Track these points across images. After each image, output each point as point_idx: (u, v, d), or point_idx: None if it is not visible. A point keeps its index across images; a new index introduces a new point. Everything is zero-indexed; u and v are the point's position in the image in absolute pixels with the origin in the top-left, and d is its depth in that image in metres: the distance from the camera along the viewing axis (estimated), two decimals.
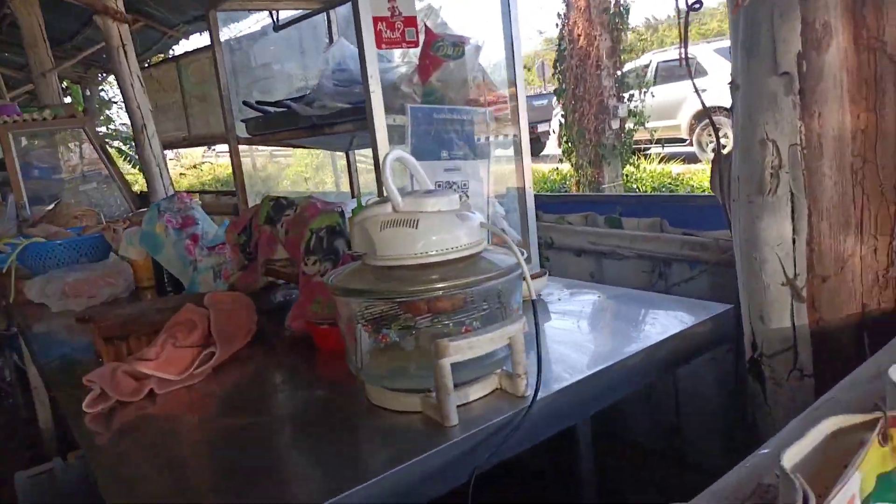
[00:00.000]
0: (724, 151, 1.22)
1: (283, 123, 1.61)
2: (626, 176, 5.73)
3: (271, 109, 1.64)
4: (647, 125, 5.75)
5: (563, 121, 5.70)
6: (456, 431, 0.97)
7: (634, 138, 5.63)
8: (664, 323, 1.28)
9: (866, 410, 0.80)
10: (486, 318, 1.10)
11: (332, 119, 1.41)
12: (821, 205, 1.04)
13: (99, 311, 1.74)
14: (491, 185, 1.46)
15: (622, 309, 1.40)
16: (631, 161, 5.70)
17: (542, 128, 10.46)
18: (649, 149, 7.17)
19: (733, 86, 1.12)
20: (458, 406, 1.03)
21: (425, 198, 1.04)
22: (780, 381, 1.16)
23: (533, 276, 1.54)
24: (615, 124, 5.22)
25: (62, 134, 4.19)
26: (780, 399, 1.17)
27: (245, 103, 1.74)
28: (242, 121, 1.83)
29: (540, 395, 1.04)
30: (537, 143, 11.10)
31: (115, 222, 2.33)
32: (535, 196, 1.85)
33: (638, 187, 6.40)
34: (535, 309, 1.02)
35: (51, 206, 3.35)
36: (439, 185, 1.37)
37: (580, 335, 1.28)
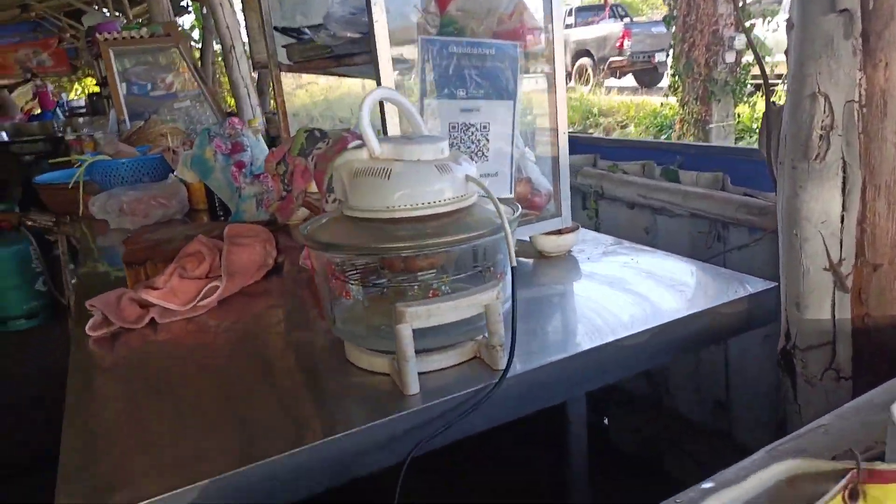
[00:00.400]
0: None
1: (312, 51, 1.52)
2: (739, 115, 5.21)
3: (305, 36, 1.56)
4: (769, 59, 5.14)
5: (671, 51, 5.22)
6: (416, 400, 0.90)
7: (753, 73, 5.08)
8: (691, 297, 1.13)
9: (863, 448, 0.66)
10: (469, 279, 1.01)
11: (347, 49, 1.31)
12: (879, 178, 0.85)
13: (140, 233, 1.78)
14: (517, 126, 1.32)
15: (651, 276, 1.25)
16: (747, 100, 5.16)
17: (659, 57, 9.74)
18: (775, 85, 6.49)
19: (788, 24, 0.92)
20: (428, 373, 0.96)
21: (405, 145, 0.94)
22: (813, 379, 0.99)
23: (563, 231, 1.41)
24: (730, 57, 4.71)
25: (164, 52, 4.32)
26: (812, 399, 1.01)
27: (276, 29, 1.66)
28: (283, 46, 1.77)
29: (519, 370, 0.94)
30: (654, 73, 10.39)
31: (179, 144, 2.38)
32: (594, 139, 1.69)
33: (757, 128, 5.83)
34: (514, 277, 0.91)
35: (142, 123, 3.48)
36: (454, 128, 1.25)
37: (592, 303, 1.16)
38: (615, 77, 10.85)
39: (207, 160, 2.03)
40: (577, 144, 1.96)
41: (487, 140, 1.30)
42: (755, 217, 1.34)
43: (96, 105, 5.34)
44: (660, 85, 10.33)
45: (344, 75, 1.86)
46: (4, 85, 11.58)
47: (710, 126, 4.87)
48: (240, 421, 0.89)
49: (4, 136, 5.65)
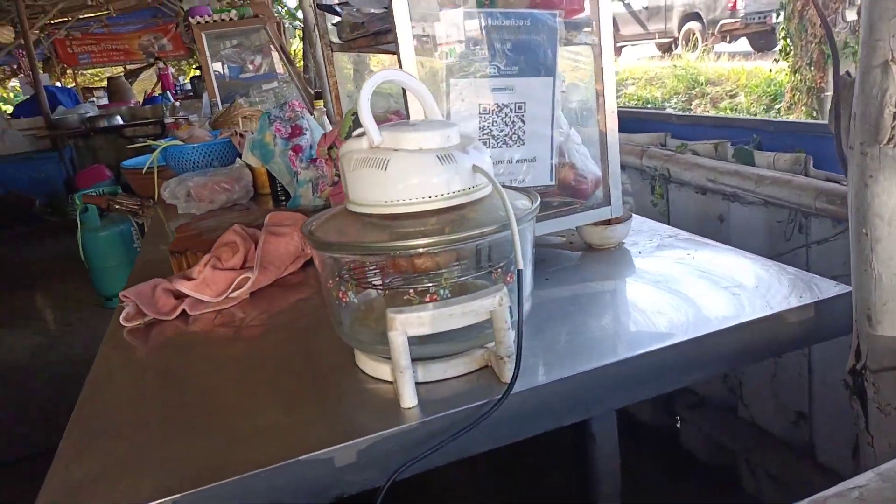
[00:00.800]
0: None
1: (351, 29, 1.46)
2: None
3: (341, 11, 1.50)
4: None
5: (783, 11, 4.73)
6: (413, 414, 0.83)
7: None
8: (745, 303, 0.98)
9: None
10: (472, 282, 0.92)
11: (378, 25, 1.24)
12: None
13: (194, 220, 1.81)
14: (558, 106, 1.20)
15: (705, 275, 1.10)
16: None
17: (777, 18, 8.95)
18: None
19: None
20: (433, 382, 0.89)
21: (407, 132, 0.86)
22: (887, 407, 0.83)
23: (613, 221, 1.28)
24: (850, 15, 4.19)
25: (254, 34, 4.42)
26: (886, 430, 0.85)
27: (318, 6, 1.61)
28: (333, 25, 1.72)
29: (529, 385, 0.86)
30: (770, 35, 9.59)
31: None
32: (665, 115, 1.54)
33: None
34: (520, 281, 0.81)
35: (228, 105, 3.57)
36: (485, 110, 1.15)
37: (631, 307, 1.04)
38: (726, 41, 10.11)
39: (267, 144, 2.03)
40: (647, 122, 1.79)
41: (523, 122, 1.19)
42: (836, 206, 1.15)
43: (197, 88, 5.58)
44: (776, 49, 9.55)
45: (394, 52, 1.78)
46: (133, 70, 12.45)
47: (826, 94, 4.40)
48: (234, 427, 0.85)
49: (119, 120, 6.02)
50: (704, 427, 1.75)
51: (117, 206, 2.54)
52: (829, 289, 0.98)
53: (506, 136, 1.18)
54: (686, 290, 1.05)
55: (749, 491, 1.62)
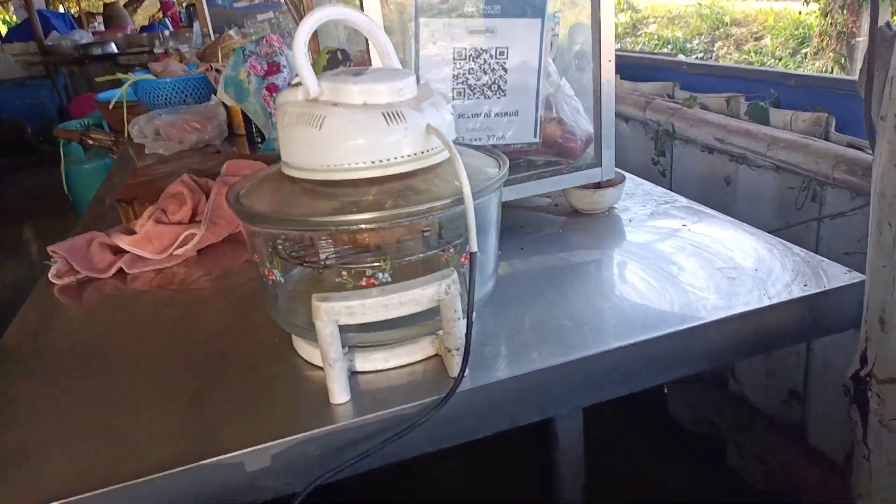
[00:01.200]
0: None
1: None
2: None
3: None
4: None
5: None
6: (343, 412, 0.72)
7: None
8: (739, 288, 0.86)
9: None
10: (423, 262, 0.80)
11: None
12: None
13: (152, 165, 1.69)
14: (546, 52, 1.04)
15: (699, 252, 0.97)
16: None
17: None
18: None
19: None
20: (372, 372, 0.78)
21: (349, 83, 0.72)
22: (889, 422, 0.72)
23: (603, 185, 1.15)
24: None
25: None
26: (886, 446, 0.74)
27: None
28: None
29: (481, 382, 0.75)
30: None
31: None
32: (675, 63, 1.39)
33: None
34: (473, 266, 0.68)
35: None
36: (460, 55, 1.00)
37: (610, 288, 0.91)
38: None
39: (242, 82, 1.88)
40: (656, 69, 1.62)
41: (505, 70, 1.04)
42: (857, 178, 1.00)
43: (191, 16, 5.33)
44: None
45: None
46: None
47: (857, 40, 4.11)
48: (137, 422, 0.73)
49: (114, 48, 5.80)
50: (691, 400, 1.65)
51: (91, 142, 2.40)
52: (839, 276, 0.84)
53: (484, 85, 1.04)
54: (676, 270, 0.93)
55: (735, 467, 1.53)
